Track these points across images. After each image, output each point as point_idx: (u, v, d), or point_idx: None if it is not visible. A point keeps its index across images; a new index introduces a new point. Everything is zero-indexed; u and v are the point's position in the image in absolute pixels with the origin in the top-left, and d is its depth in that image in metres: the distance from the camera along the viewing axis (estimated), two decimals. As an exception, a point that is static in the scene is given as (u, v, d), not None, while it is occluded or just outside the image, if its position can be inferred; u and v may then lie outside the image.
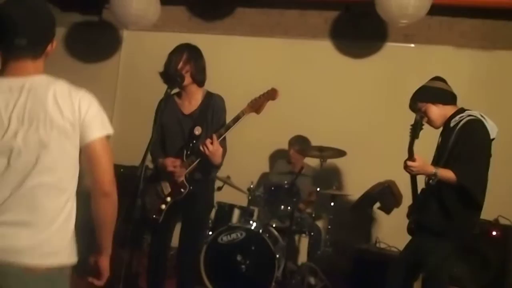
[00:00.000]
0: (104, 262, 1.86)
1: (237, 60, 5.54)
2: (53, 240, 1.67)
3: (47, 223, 1.66)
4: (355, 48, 5.35)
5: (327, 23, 5.48)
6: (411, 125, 2.77)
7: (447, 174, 2.72)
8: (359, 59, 5.35)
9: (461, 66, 5.00)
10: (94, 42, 6.15)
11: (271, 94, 2.95)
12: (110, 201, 1.77)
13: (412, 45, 5.26)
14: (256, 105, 2.94)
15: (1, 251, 1.60)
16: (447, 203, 2.76)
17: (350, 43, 5.38)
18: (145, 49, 5.76)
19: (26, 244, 1.62)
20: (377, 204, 4.57)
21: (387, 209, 4.45)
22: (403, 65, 5.16)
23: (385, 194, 4.43)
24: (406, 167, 2.80)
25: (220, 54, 5.33)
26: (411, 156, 2.76)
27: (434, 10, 4.67)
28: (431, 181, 2.76)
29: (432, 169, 2.75)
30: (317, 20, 5.52)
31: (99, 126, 1.75)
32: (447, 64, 5.00)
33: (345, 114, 5.21)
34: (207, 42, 5.49)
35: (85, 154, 1.74)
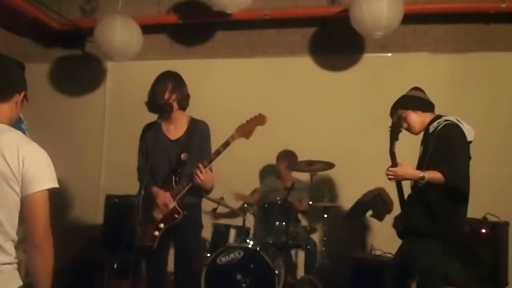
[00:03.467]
0: None
1: (220, 82, 5.64)
2: None
3: None
4: (334, 62, 5.49)
5: (304, 40, 5.62)
6: (390, 127, 2.88)
7: (435, 175, 2.80)
8: (339, 72, 5.47)
9: (437, 70, 5.16)
10: (79, 75, 6.24)
11: (260, 120, 3.07)
12: (41, 253, 1.85)
13: (389, 54, 5.40)
14: (245, 131, 3.04)
15: None
16: (431, 204, 2.86)
17: (329, 57, 5.51)
18: (130, 78, 5.85)
19: None
20: (370, 212, 4.65)
21: (379, 216, 4.53)
22: (382, 74, 5.29)
23: (376, 202, 4.52)
24: (388, 173, 2.90)
25: (203, 78, 5.44)
26: (393, 160, 2.87)
27: (407, 19, 4.81)
28: (419, 184, 2.84)
29: (418, 173, 2.83)
30: (295, 37, 5.65)
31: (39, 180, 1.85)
32: (424, 69, 5.17)
33: (330, 126, 5.31)
34: (190, 67, 5.65)
35: (24, 205, 1.84)
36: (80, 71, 6.24)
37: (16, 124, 3.44)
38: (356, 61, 5.46)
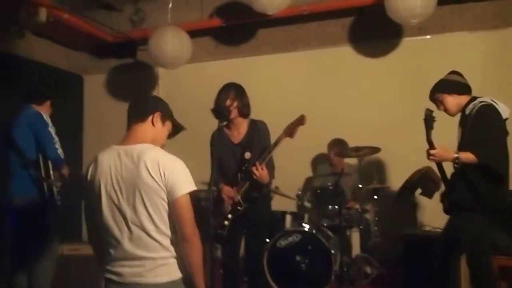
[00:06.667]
0: None
1: (264, 77, 5.89)
2: None
3: None
4: (374, 48, 5.66)
5: (344, 30, 5.82)
6: (423, 119, 3.11)
7: (468, 156, 3.04)
8: (380, 58, 5.64)
9: (477, 48, 5.24)
10: (133, 82, 6.63)
11: (301, 121, 3.38)
12: (192, 247, 2.15)
13: (428, 36, 5.51)
14: (289, 131, 3.37)
15: None
16: (473, 181, 3.08)
17: (369, 45, 5.69)
18: (180, 80, 6.23)
19: None
20: (419, 190, 4.84)
21: (429, 194, 4.69)
22: (422, 57, 5.42)
23: (425, 180, 4.68)
24: (428, 156, 3.14)
25: (248, 75, 5.71)
26: (431, 146, 3.10)
27: (443, 0, 4.95)
28: (456, 165, 3.08)
29: (453, 154, 3.08)
30: (335, 28, 5.85)
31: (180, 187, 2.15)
32: (464, 48, 5.28)
33: (375, 111, 5.49)
34: (235, 65, 6.00)
35: (171, 209, 2.15)
36: (134, 78, 6.64)
37: (43, 127, 3.91)
38: (396, 46, 5.60)
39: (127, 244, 2.14)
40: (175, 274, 2.19)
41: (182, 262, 2.20)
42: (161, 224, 2.15)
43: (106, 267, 2.21)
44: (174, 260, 2.20)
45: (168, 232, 2.18)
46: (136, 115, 2.30)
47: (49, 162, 3.90)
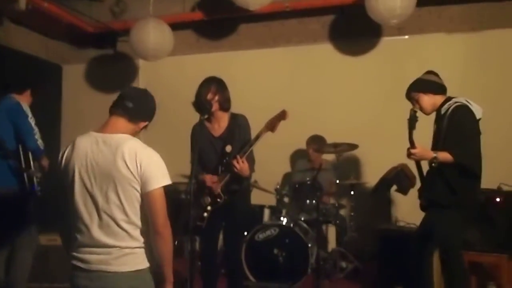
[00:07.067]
0: None
1: (245, 72, 5.93)
2: None
3: None
4: (353, 47, 5.75)
5: (324, 27, 5.90)
6: (408, 119, 3.19)
7: (446, 156, 3.13)
8: (359, 56, 5.74)
9: (453, 50, 5.39)
10: (112, 73, 6.59)
11: (282, 115, 3.42)
12: (163, 239, 2.18)
13: (406, 36, 5.63)
14: (271, 126, 3.41)
15: None
16: (449, 180, 3.18)
17: (349, 43, 5.78)
18: (161, 73, 6.22)
19: None
20: (394, 187, 4.95)
21: (404, 191, 4.81)
22: (400, 56, 5.54)
23: (400, 177, 4.79)
24: (409, 155, 3.22)
25: (229, 69, 5.74)
26: (412, 145, 3.19)
27: (422, 1, 5.05)
28: (433, 164, 3.17)
29: (432, 154, 3.17)
30: (316, 25, 5.93)
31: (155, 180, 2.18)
32: (441, 49, 5.40)
33: (353, 108, 5.61)
34: (216, 59, 6.01)
35: (145, 201, 2.17)
36: (113, 69, 6.60)
37: (23, 118, 3.88)
38: (375, 45, 5.71)
39: (95, 231, 2.15)
40: (142, 263, 2.21)
41: (151, 252, 2.23)
42: (132, 214, 2.17)
43: (72, 253, 2.22)
44: (141, 250, 2.22)
45: (139, 223, 2.19)
46: (128, 114, 2.28)
47: (29, 153, 3.88)
